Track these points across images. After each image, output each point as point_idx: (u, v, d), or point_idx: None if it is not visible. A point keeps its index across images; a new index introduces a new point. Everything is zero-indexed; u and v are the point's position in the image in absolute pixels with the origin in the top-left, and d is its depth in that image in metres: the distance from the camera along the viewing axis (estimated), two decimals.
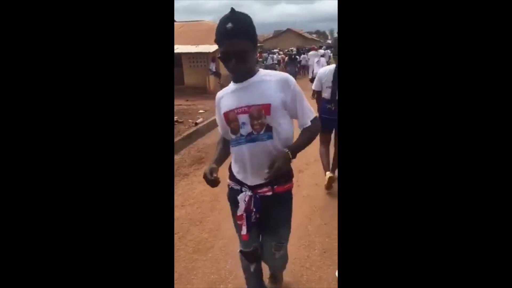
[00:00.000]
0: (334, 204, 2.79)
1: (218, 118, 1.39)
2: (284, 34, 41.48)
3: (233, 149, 1.36)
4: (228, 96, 1.31)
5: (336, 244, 2.20)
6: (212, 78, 11.20)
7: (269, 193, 1.34)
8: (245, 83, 1.26)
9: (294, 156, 1.28)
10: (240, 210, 1.34)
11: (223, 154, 1.46)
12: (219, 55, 1.22)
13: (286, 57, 13.35)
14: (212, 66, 10.88)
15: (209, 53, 10.79)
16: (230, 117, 1.28)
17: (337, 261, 2.06)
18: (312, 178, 3.45)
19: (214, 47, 10.22)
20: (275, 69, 7.62)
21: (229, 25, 1.12)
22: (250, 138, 1.26)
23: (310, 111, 1.35)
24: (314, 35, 58.04)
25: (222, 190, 1.54)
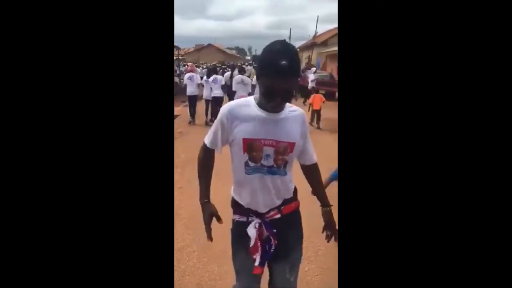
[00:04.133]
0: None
1: (224, 134, 1.25)
2: (205, 48, 42.16)
3: (249, 177, 1.25)
4: (251, 122, 1.20)
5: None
6: None
7: (277, 216, 1.32)
8: (275, 116, 1.20)
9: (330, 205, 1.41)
10: (253, 240, 1.27)
11: (209, 181, 1.39)
12: (262, 88, 1.13)
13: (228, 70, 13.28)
14: None
15: None
16: (253, 146, 1.20)
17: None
18: None
19: None
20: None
21: (284, 62, 1.04)
22: (271, 170, 1.25)
23: (313, 151, 1.39)
24: (234, 51, 60.12)
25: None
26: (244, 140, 1.20)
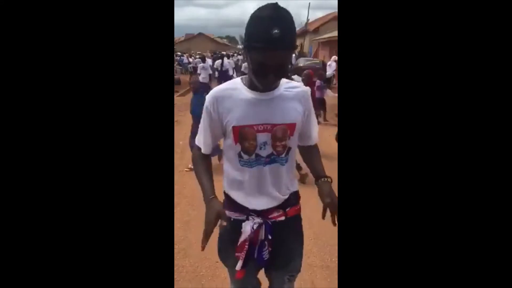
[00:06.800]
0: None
1: (213, 126, 1.09)
2: (196, 38, 41.71)
3: (245, 170, 1.09)
4: (239, 106, 1.03)
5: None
6: None
7: (282, 218, 1.15)
8: (268, 95, 1.03)
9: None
10: (243, 238, 1.10)
11: (210, 181, 1.15)
12: (251, 64, 0.96)
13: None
14: None
15: None
16: (245, 134, 1.04)
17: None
18: None
19: None
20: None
21: (276, 31, 0.87)
22: (270, 160, 1.08)
23: (317, 130, 1.21)
24: (225, 40, 59.53)
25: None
26: (234, 128, 1.04)
